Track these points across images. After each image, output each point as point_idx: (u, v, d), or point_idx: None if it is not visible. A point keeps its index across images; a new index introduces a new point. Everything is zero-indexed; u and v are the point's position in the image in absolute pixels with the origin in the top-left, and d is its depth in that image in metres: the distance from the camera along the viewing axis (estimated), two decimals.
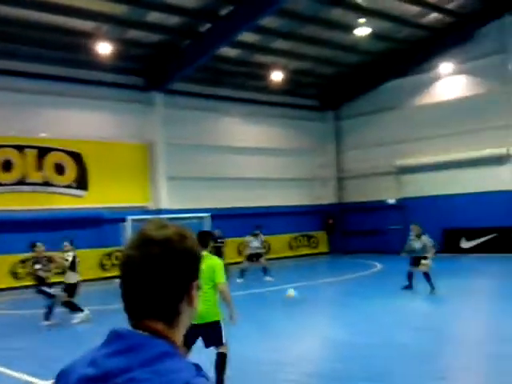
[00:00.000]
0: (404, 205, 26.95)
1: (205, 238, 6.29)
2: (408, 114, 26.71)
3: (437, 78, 25.93)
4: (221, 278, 6.19)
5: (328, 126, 29.54)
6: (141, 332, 1.29)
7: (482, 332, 9.97)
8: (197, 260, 1.38)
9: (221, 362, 6.30)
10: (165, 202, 22.70)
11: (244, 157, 25.87)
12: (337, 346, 9.12)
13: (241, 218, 23.74)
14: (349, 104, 29.10)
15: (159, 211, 21.86)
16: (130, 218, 19.04)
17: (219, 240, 18.84)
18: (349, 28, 21.99)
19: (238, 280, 17.67)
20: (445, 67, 25.42)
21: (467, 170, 24.70)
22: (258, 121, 26.65)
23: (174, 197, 22.93)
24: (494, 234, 23.95)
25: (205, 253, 5.98)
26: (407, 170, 26.86)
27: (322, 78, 27.40)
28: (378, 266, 21.19)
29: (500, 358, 7.76)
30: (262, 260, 19.02)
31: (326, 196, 29.11)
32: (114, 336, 1.29)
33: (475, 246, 24.50)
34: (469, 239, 24.83)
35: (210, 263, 6.15)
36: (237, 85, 25.36)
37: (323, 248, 28.44)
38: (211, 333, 6.19)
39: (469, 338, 9.35)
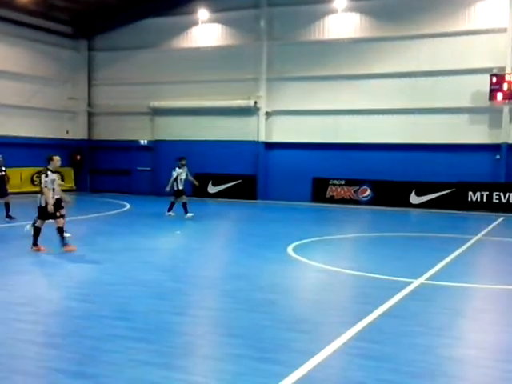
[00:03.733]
0: (156, 147, 26.99)
1: None
2: (165, 55, 26.48)
3: (195, 23, 26.05)
4: None
5: (80, 57, 27.79)
6: None
7: (218, 270, 10.43)
8: None
9: None
10: None
11: None
12: (79, 285, 8.65)
13: None
14: (104, 35, 27.69)
15: None
16: None
17: (3, 168, 16.51)
18: None
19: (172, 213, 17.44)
20: (202, 13, 25.63)
21: (218, 117, 25.62)
22: (2, 40, 23.81)
23: None
24: (239, 181, 25.44)
25: None
26: (161, 112, 26.82)
27: (76, 3, 25.44)
28: (127, 205, 20.93)
29: (230, 295, 8.15)
30: (185, 196, 17.71)
31: (74, 131, 27.61)
32: None
33: (220, 191, 25.77)
34: (215, 184, 25.99)
35: None
36: None
37: (69, 184, 27.09)
38: None
39: (207, 276, 9.67)
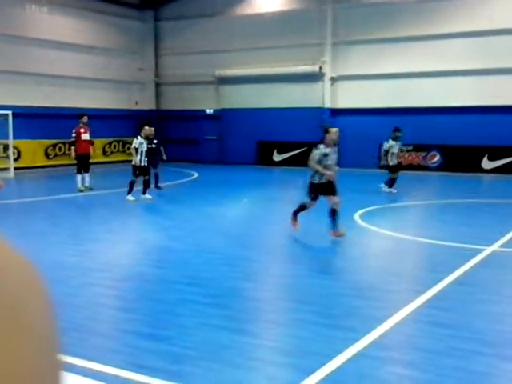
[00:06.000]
0: (221, 116, 27.14)
1: None
2: (229, 23, 26.35)
3: None
4: None
5: (147, 27, 28.05)
6: None
7: (285, 237, 10.47)
8: None
9: None
10: None
11: (54, 51, 23.59)
12: (151, 251, 8.93)
13: (49, 118, 22.01)
14: (170, 5, 27.81)
15: None
16: None
17: (154, 141, 16.08)
18: None
19: (393, 190, 15.94)
20: None
21: (283, 84, 25.37)
22: (71, 13, 24.33)
23: None
24: (304, 148, 25.27)
25: None
26: (226, 81, 26.85)
27: None
28: (196, 174, 21.30)
29: (297, 262, 8.19)
30: (397, 173, 16.27)
31: (143, 101, 28.13)
32: None
33: (286, 159, 25.73)
34: (280, 152, 25.96)
35: None
36: None
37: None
38: None
39: (274, 243, 9.75)
